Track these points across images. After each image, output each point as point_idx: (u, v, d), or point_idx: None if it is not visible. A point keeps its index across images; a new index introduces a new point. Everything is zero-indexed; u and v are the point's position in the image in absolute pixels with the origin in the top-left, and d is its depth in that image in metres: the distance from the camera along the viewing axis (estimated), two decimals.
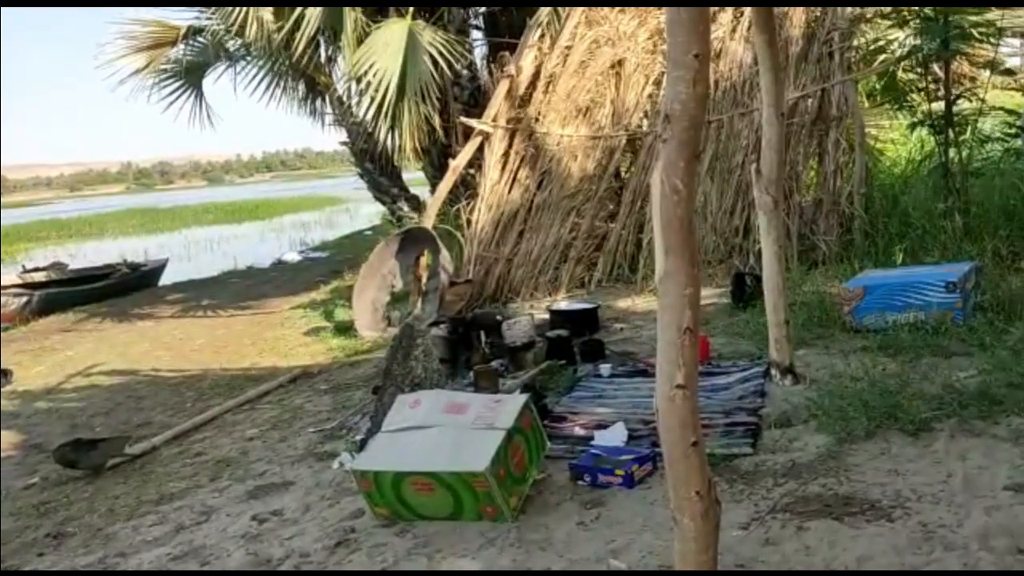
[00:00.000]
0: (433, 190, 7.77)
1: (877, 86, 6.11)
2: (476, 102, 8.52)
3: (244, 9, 8.36)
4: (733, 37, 6.71)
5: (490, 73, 7.98)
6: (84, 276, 12.05)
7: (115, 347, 7.35)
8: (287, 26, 7.98)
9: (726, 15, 6.97)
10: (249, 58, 9.86)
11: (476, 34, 9.84)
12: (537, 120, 6.60)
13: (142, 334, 7.95)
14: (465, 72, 8.75)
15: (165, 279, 12.87)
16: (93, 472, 3.89)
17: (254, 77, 9.63)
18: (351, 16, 7.77)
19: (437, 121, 8.19)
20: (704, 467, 1.44)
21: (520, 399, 2.84)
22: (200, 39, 10.20)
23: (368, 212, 19.35)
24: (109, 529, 3.18)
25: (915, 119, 5.65)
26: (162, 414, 4.90)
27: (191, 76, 10.43)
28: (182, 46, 10.16)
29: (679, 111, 1.33)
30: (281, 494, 3.18)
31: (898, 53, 5.74)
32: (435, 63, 7.67)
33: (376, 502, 2.74)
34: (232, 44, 9.86)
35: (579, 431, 3.25)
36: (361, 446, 3.30)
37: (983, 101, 5.41)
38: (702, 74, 1.32)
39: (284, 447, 3.79)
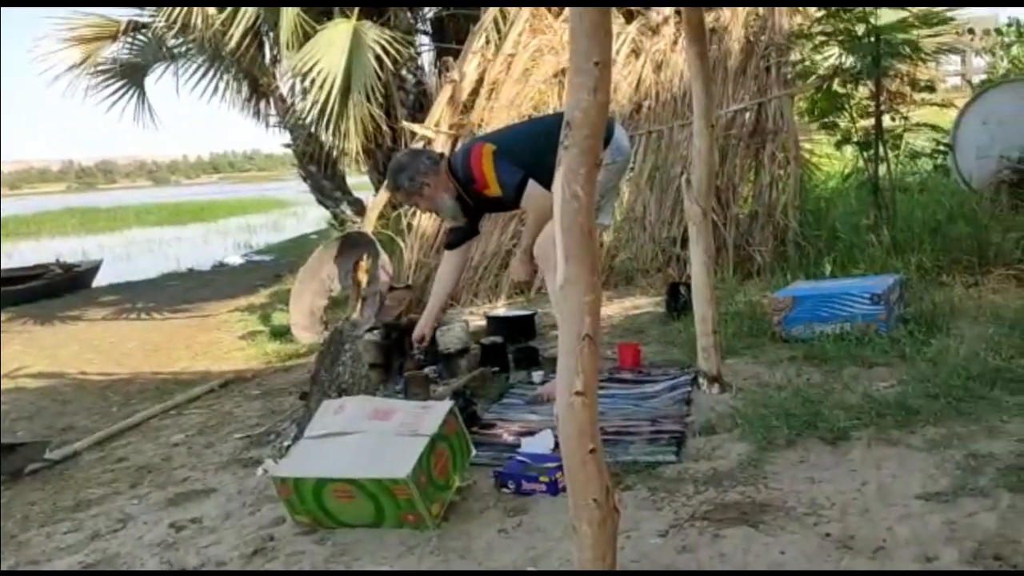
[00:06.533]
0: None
1: (812, 102, 6.24)
2: (422, 107, 8.53)
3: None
4: (675, 49, 6.80)
5: (438, 78, 7.98)
6: (13, 277, 11.71)
7: (43, 349, 7.15)
8: (226, 15, 7.88)
9: (669, 28, 7.07)
10: (191, 55, 9.74)
11: (424, 40, 9.86)
12: (480, 126, 6.60)
13: (72, 336, 7.75)
14: (410, 76, 8.74)
15: (102, 280, 12.58)
16: (11, 477, 3.77)
17: (194, 73, 9.50)
18: (288, 15, 7.71)
19: (383, 124, 8.17)
20: (603, 475, 1.44)
21: (445, 405, 2.82)
22: (141, 36, 10.03)
23: (315, 216, 19.14)
24: (22, 536, 3.08)
25: (840, 137, 5.79)
26: (87, 418, 4.77)
27: (133, 75, 10.26)
28: (122, 41, 9.98)
29: (580, 119, 1.33)
30: (201, 501, 3.12)
31: (830, 70, 5.87)
32: (380, 62, 7.64)
33: (297, 509, 2.69)
34: (174, 42, 9.71)
35: (507, 438, 3.24)
36: (287, 452, 3.25)
37: (906, 119, 5.55)
38: (603, 82, 1.32)
39: (209, 453, 3.72)
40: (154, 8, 9.30)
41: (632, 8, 7.43)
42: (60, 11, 9.70)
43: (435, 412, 2.78)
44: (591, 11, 1.27)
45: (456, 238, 4.05)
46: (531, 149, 3.59)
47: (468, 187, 3.75)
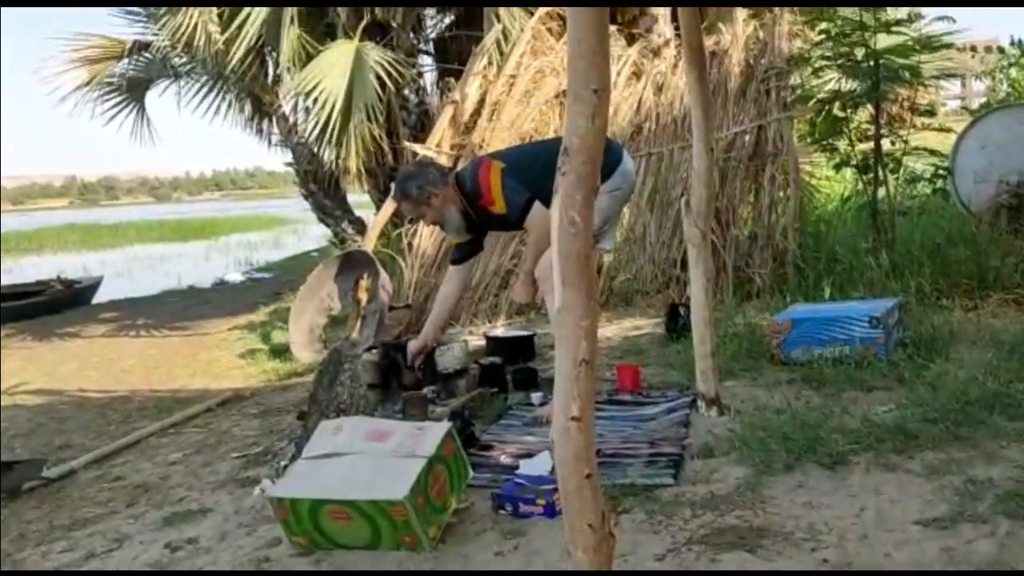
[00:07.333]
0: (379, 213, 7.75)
1: (812, 125, 6.28)
2: (423, 127, 8.57)
3: (191, 19, 8.30)
4: (675, 72, 6.84)
5: (440, 98, 8.03)
6: (14, 293, 11.72)
7: (42, 366, 7.15)
8: (231, 30, 7.92)
9: (670, 50, 7.12)
10: (195, 74, 9.79)
11: (426, 60, 9.92)
12: (481, 147, 6.63)
13: (71, 353, 7.74)
14: (412, 96, 8.79)
15: (102, 296, 12.59)
16: (8, 495, 3.75)
17: (197, 92, 9.55)
18: (289, 35, 7.76)
19: (384, 143, 8.21)
20: (598, 500, 1.43)
21: (443, 427, 2.82)
22: (146, 54, 10.09)
23: (316, 233, 19.18)
24: (17, 555, 3.07)
25: (838, 159, 5.82)
26: (84, 436, 4.76)
27: (135, 90, 10.30)
28: (127, 61, 10.04)
29: (577, 145, 1.34)
30: (198, 521, 3.10)
31: (830, 94, 5.91)
32: (382, 83, 7.69)
33: (293, 531, 2.68)
34: (178, 59, 9.77)
35: (505, 460, 3.23)
36: (284, 473, 3.24)
37: (906, 143, 5.58)
38: (601, 109, 1.33)
39: (206, 472, 3.70)
40: (157, 26, 9.36)
41: (633, 31, 7.49)
42: (66, 31, 9.76)
43: (433, 433, 2.77)
44: (589, 37, 1.28)
45: (461, 253, 4.07)
46: (534, 171, 3.61)
47: (474, 202, 3.78)
